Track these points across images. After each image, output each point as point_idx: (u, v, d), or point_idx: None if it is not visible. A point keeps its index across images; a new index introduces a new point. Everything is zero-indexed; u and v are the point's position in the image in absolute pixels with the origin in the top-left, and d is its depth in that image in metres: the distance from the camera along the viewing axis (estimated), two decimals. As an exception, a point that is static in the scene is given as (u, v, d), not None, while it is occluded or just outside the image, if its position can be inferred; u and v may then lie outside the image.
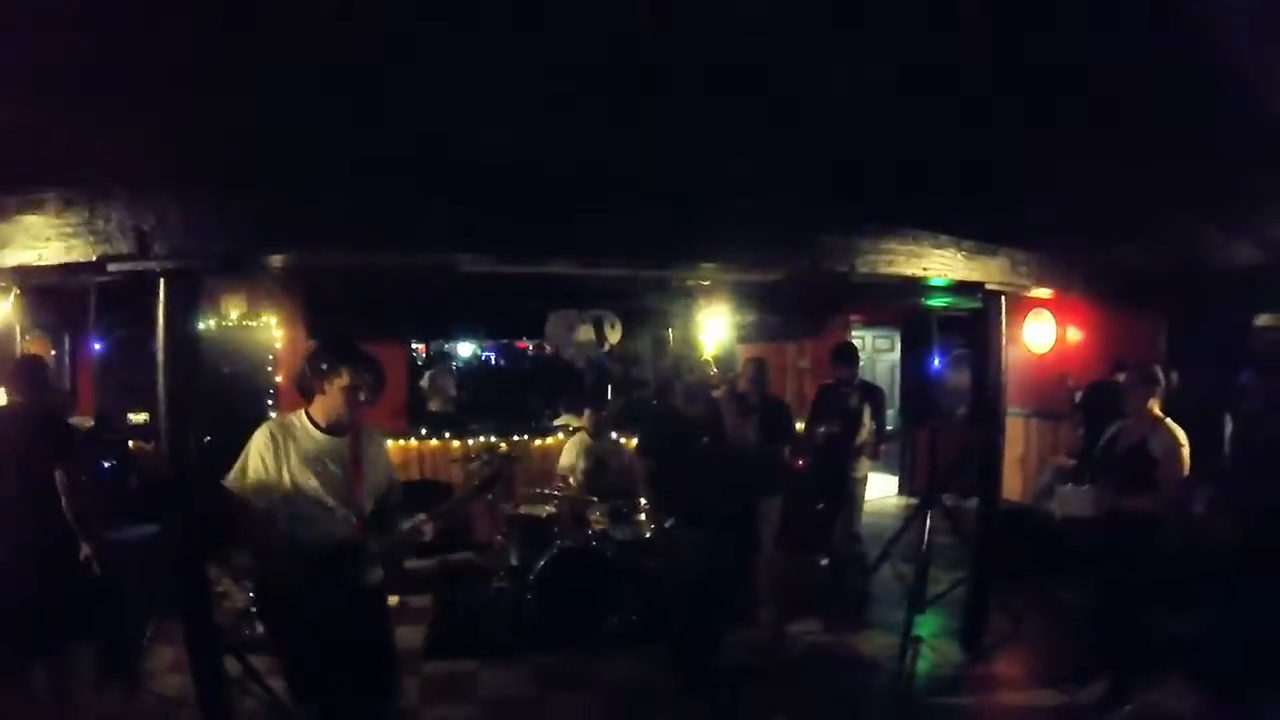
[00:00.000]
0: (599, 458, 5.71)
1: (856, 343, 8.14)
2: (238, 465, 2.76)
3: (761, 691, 4.35)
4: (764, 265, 4.55)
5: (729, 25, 2.23)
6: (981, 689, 4.47)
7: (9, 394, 3.82)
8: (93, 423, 5.48)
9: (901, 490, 9.14)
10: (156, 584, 4.29)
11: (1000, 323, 4.79)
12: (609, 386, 8.18)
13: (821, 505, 5.68)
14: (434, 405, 9.05)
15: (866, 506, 5.79)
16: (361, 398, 2.79)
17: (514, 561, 5.21)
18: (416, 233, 3.65)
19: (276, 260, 3.95)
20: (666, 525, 4.75)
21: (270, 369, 6.71)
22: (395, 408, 6.91)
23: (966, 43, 2.34)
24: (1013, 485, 6.88)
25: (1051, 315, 7.15)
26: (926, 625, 4.79)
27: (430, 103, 2.73)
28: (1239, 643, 3.88)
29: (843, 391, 5.57)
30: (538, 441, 7.21)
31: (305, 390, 2.85)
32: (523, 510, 5.43)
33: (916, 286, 4.83)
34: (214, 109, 2.70)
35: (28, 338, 5.61)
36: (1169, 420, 3.91)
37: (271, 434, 2.77)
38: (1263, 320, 5.05)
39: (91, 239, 3.39)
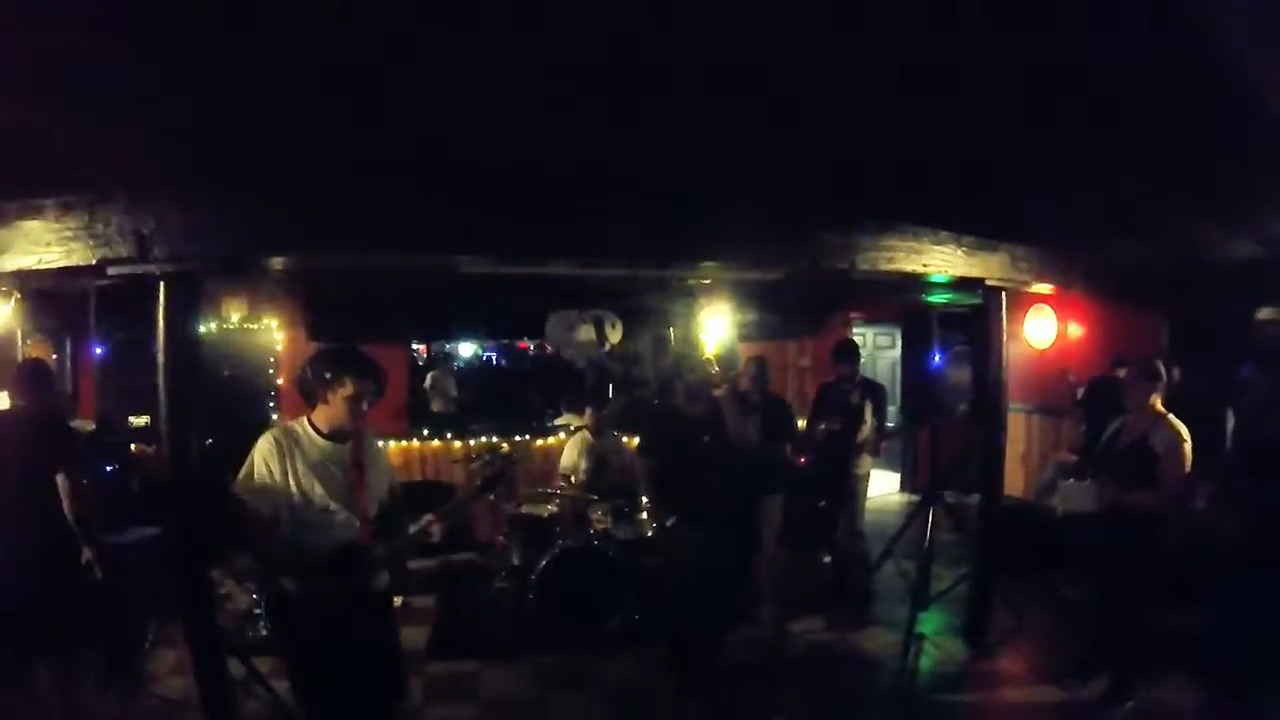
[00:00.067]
0: (600, 457, 5.71)
1: (857, 340, 8.15)
2: (243, 473, 2.76)
3: (764, 690, 4.36)
4: (764, 263, 4.55)
5: (729, 25, 2.22)
6: (984, 685, 4.48)
7: (13, 398, 3.81)
8: (94, 426, 5.48)
9: (903, 487, 9.15)
10: (158, 587, 4.30)
11: (1001, 319, 4.79)
12: (610, 386, 8.18)
13: (823, 503, 5.69)
14: (435, 406, 9.05)
15: (868, 504, 5.79)
16: (365, 406, 2.81)
17: (516, 561, 5.21)
18: (416, 233, 3.65)
19: (277, 262, 3.95)
20: (668, 524, 4.74)
21: (271, 371, 6.72)
22: (396, 408, 6.92)
23: (966, 43, 2.33)
24: (1014, 481, 6.87)
25: (1052, 311, 7.15)
26: (929, 622, 4.81)
27: (430, 103, 2.73)
28: (1241, 638, 3.88)
29: (844, 389, 5.57)
30: (539, 441, 7.21)
31: (307, 393, 2.86)
32: (524, 510, 5.44)
33: (917, 283, 4.83)
34: (214, 109, 2.69)
35: (29, 342, 5.62)
36: (1170, 416, 3.91)
37: (276, 441, 2.78)
38: (1264, 314, 5.03)
39: (91, 243, 3.39)
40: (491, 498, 4.92)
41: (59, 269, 3.48)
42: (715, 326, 7.31)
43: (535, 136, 3.09)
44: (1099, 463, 4.18)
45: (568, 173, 3.54)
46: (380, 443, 3.27)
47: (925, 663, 4.58)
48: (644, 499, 5.28)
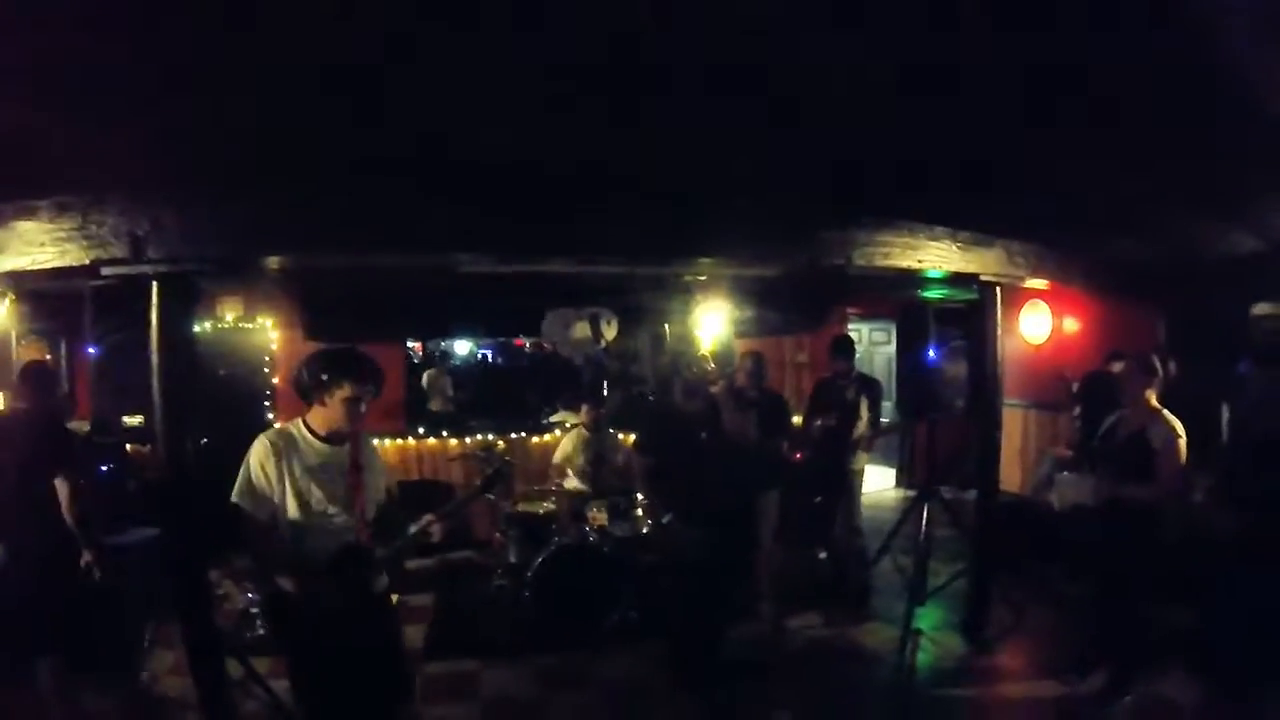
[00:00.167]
0: (597, 453, 5.72)
1: (853, 336, 8.16)
2: (240, 481, 2.73)
3: (762, 686, 4.37)
4: (762, 260, 4.55)
5: (729, 25, 2.22)
6: (982, 680, 4.50)
7: (15, 399, 3.80)
8: (88, 427, 5.46)
9: (900, 483, 9.17)
10: (156, 587, 4.29)
11: (996, 314, 4.79)
12: (606, 383, 8.19)
13: (820, 499, 5.70)
14: (432, 404, 9.04)
15: (865, 499, 5.81)
16: (363, 409, 2.79)
17: (513, 559, 5.21)
18: (416, 233, 3.63)
19: (274, 261, 3.93)
20: (665, 521, 4.76)
21: (267, 371, 6.70)
22: (393, 407, 6.90)
23: (966, 43, 2.34)
24: (1011, 477, 6.92)
25: (1048, 306, 7.18)
26: (927, 617, 4.82)
27: (430, 103, 2.72)
28: (1238, 632, 3.91)
29: (840, 384, 5.58)
30: (535, 439, 7.21)
31: (303, 394, 2.84)
32: (521, 508, 5.44)
33: (913, 279, 4.84)
34: (214, 109, 2.68)
35: (23, 343, 5.59)
36: (1166, 411, 3.93)
37: (271, 444, 2.75)
38: (1260, 309, 5.06)
39: (85, 243, 3.38)
40: (490, 497, 4.92)
41: (53, 269, 3.46)
42: (711, 323, 7.31)
43: (535, 136, 3.08)
44: (1096, 457, 4.20)
45: (568, 172, 3.54)
46: (376, 441, 3.26)
47: (923, 658, 4.59)
48: (641, 495, 5.29)
